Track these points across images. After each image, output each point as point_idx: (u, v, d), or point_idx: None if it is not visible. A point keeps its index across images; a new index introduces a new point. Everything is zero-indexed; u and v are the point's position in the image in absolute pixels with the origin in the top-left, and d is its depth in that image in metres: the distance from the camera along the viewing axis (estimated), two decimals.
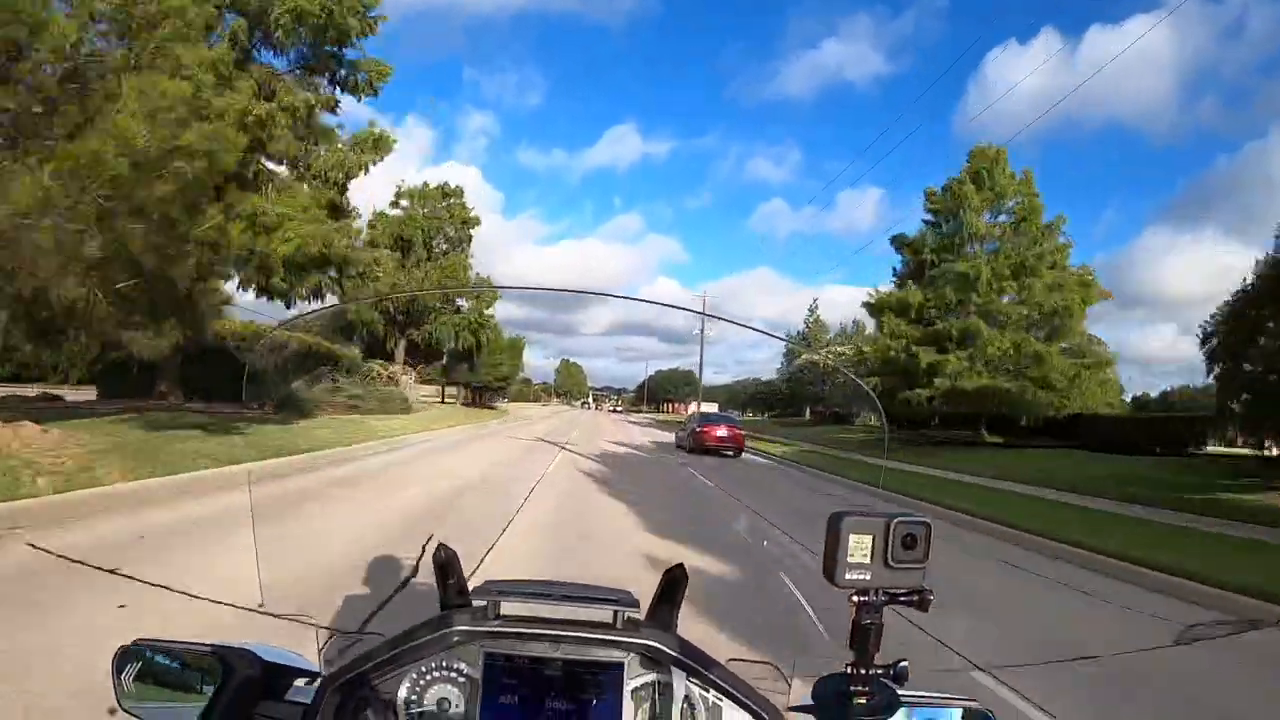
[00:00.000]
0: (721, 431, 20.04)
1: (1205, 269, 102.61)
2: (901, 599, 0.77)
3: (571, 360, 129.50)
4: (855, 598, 0.77)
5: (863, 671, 0.76)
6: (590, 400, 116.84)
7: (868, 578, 0.75)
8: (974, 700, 0.92)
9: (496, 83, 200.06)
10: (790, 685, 0.96)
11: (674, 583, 0.97)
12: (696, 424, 20.99)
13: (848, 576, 0.75)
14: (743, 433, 20.96)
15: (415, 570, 4.31)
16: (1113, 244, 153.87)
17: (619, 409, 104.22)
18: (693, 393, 54.34)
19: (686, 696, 0.85)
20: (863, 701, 0.76)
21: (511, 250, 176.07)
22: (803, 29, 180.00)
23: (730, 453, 19.54)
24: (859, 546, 0.75)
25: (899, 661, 0.78)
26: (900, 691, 0.79)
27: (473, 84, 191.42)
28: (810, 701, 0.82)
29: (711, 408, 40.67)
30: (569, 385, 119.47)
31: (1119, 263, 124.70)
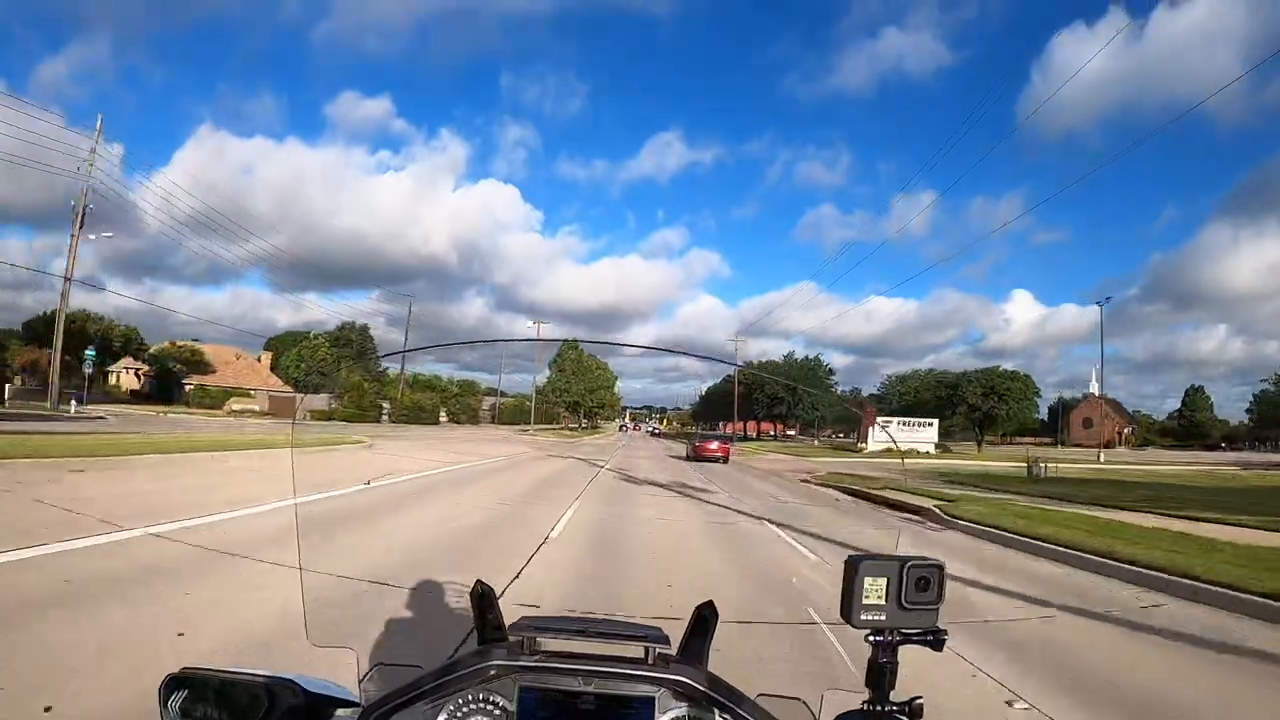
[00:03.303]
0: (712, 445, 28.85)
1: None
2: (915, 639, 0.80)
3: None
4: (871, 637, 0.81)
5: (879, 708, 0.80)
6: (628, 421, 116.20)
7: (883, 618, 0.80)
8: None
9: (536, 90, 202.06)
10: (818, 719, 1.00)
11: (705, 619, 1.02)
12: (696, 440, 30.50)
13: (864, 617, 0.79)
14: (729, 446, 30.10)
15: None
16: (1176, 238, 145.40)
17: (658, 430, 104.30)
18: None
19: None
20: None
21: (552, 269, 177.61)
22: (857, 22, 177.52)
23: (719, 459, 27.33)
24: (874, 588, 0.79)
25: (915, 699, 0.81)
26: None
27: (511, 91, 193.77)
28: None
29: None
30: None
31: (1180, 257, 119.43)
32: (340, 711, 0.93)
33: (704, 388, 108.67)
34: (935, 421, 43.31)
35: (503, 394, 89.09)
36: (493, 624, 0.97)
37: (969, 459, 38.74)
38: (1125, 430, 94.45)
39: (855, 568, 0.81)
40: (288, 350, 73.39)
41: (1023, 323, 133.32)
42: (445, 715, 0.87)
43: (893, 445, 41.25)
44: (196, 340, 72.36)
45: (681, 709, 0.87)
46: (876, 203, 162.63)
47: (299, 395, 60.08)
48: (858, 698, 0.86)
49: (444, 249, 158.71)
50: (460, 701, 0.87)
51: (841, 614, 0.82)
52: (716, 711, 0.86)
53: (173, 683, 0.88)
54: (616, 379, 69.29)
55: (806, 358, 64.41)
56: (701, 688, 0.86)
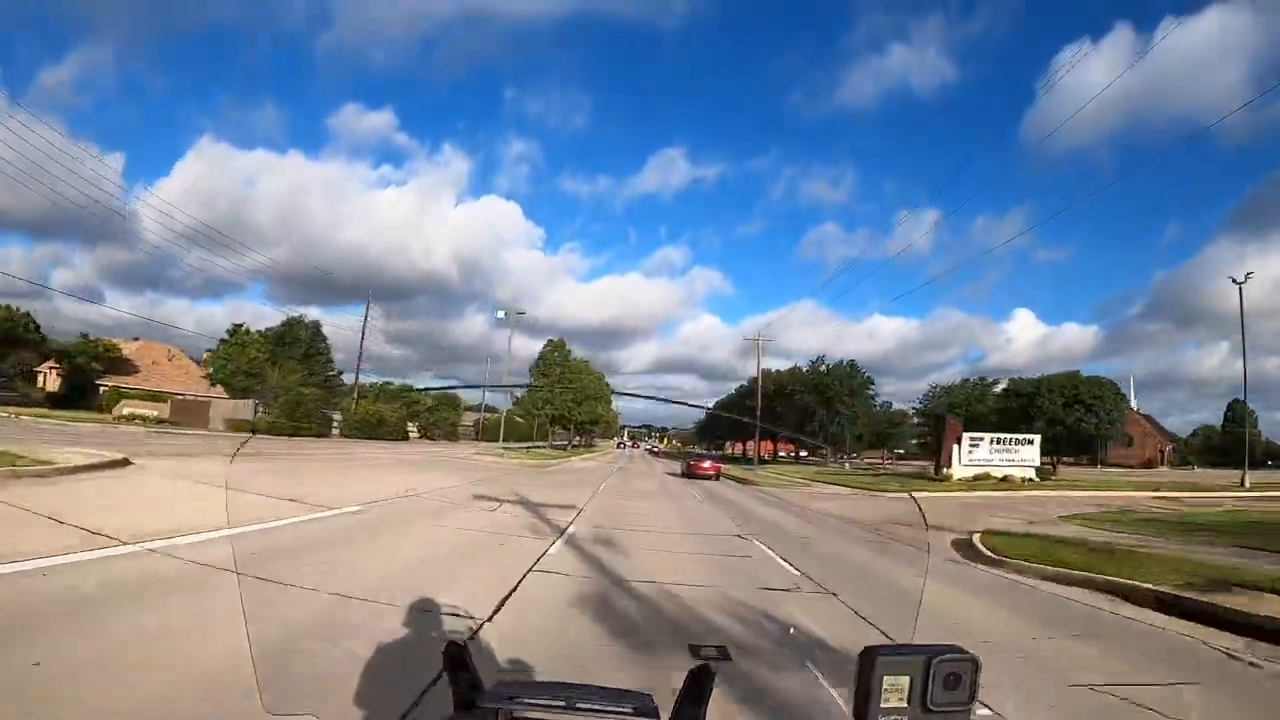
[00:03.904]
0: (705, 464, 33.33)
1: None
2: None
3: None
4: None
5: None
6: (626, 439, 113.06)
7: None
8: None
9: (539, 104, 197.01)
10: None
11: (699, 683, 0.92)
12: (691, 460, 36.89)
13: None
14: (720, 466, 35.50)
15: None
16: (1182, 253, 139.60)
17: (658, 449, 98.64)
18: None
19: None
20: None
21: (553, 286, 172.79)
22: (863, 38, 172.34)
23: (711, 477, 30.70)
24: (894, 689, 0.69)
25: None
26: None
27: (514, 106, 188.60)
28: None
29: None
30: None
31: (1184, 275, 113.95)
32: None
33: (708, 405, 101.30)
34: (1036, 439, 32.31)
35: (491, 410, 77.98)
36: (469, 684, 0.88)
37: (1097, 487, 27.77)
38: (1167, 449, 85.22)
39: (872, 662, 0.70)
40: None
41: (1024, 341, 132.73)
42: None
43: (986, 470, 30.24)
44: (136, 339, 61.81)
45: None
46: (879, 220, 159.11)
47: (213, 400, 49.00)
48: None
49: (445, 264, 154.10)
50: None
51: (855, 717, 0.71)
52: None
53: None
54: (612, 391, 58.26)
55: (841, 362, 53.37)
56: None
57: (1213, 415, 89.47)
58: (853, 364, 53.05)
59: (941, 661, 0.69)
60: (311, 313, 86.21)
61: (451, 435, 78.53)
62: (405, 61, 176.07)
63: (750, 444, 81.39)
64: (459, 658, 0.89)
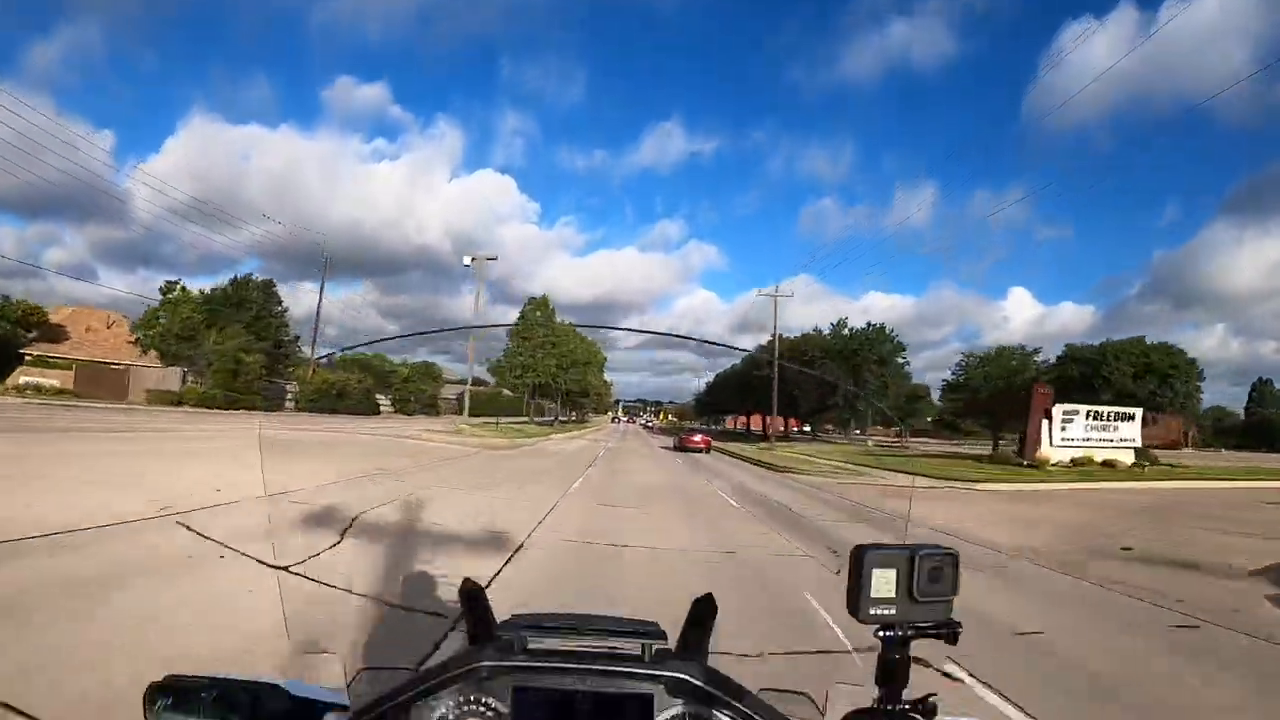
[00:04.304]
0: (696, 438, 33.11)
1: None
2: (929, 632, 0.75)
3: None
4: (881, 633, 0.75)
5: (890, 707, 0.75)
6: (621, 414, 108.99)
7: (892, 612, 0.74)
8: None
9: (535, 77, 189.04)
10: (825, 714, 0.91)
11: (702, 612, 0.97)
12: (682, 434, 36.73)
13: (872, 611, 0.74)
14: (710, 440, 34.70)
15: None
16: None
17: (652, 424, 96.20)
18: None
19: None
20: None
21: (547, 261, 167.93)
22: (863, 10, 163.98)
23: (701, 450, 30.84)
24: (883, 581, 0.74)
25: (928, 696, 0.76)
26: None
27: (510, 78, 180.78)
28: None
29: None
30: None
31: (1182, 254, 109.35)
32: (328, 716, 0.89)
33: (704, 380, 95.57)
34: (1137, 414, 25.50)
35: (482, 383, 70.40)
36: (483, 622, 0.92)
37: (1226, 476, 21.02)
38: (1191, 430, 79.26)
39: (862, 558, 0.76)
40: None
41: (1020, 320, 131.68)
42: (436, 718, 0.81)
43: (1085, 452, 23.45)
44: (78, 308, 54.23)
45: (680, 706, 0.82)
46: (877, 196, 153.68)
47: (130, 366, 41.77)
48: (865, 693, 0.80)
49: (438, 239, 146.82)
50: (451, 704, 0.81)
51: (848, 608, 0.77)
52: (717, 708, 0.81)
53: (157, 690, 0.85)
54: (605, 358, 50.87)
55: (869, 325, 46.00)
56: (700, 683, 0.81)
57: (1212, 397, 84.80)
58: (881, 328, 45.86)
59: (924, 556, 0.73)
60: (304, 287, 78.64)
61: (431, 409, 71.47)
62: (399, 32, 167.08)
63: (756, 418, 74.56)
64: (476, 595, 0.93)
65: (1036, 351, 52.28)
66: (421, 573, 5.28)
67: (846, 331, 46.08)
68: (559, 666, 0.82)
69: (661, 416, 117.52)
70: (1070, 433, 23.71)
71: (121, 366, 42.68)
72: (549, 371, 42.22)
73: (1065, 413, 23.82)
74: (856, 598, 0.74)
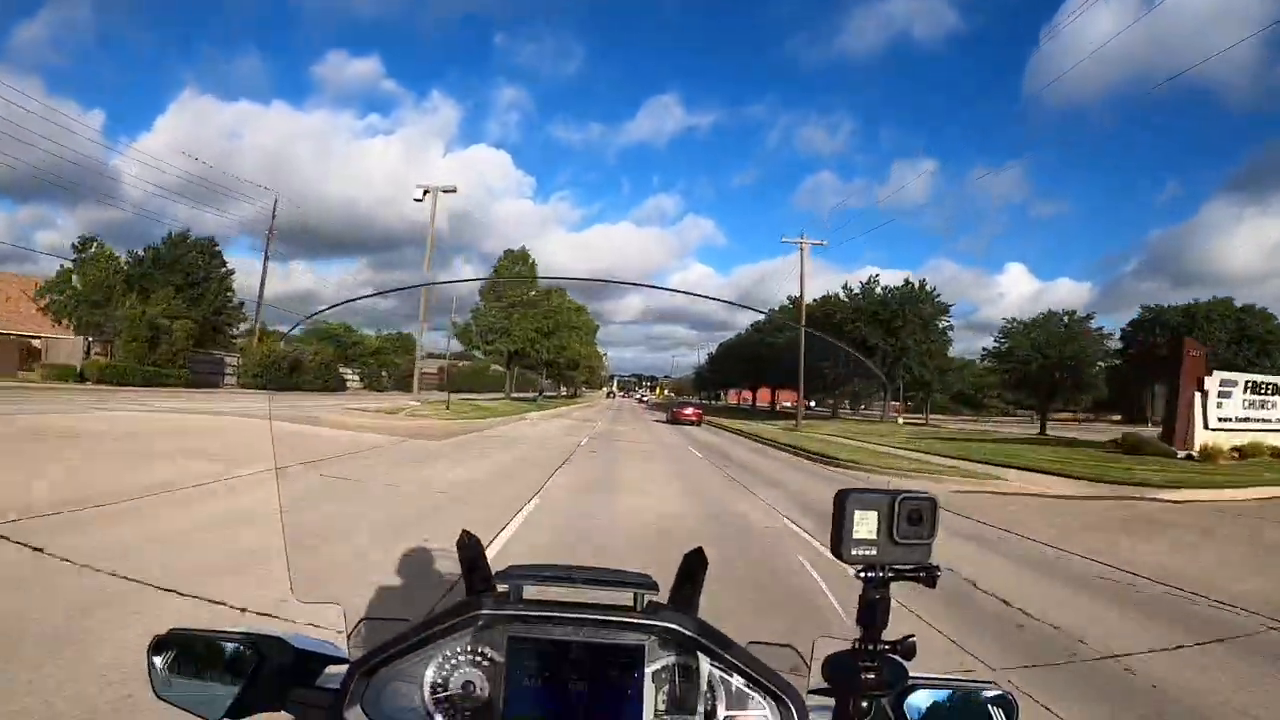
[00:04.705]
0: (687, 410, 33.68)
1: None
2: (908, 574, 0.76)
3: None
4: (862, 573, 0.77)
5: (870, 647, 0.76)
6: (616, 389, 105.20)
7: (874, 553, 0.76)
8: (992, 681, 0.90)
9: (531, 49, 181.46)
10: (810, 667, 0.93)
11: (694, 565, 0.99)
12: (674, 406, 36.53)
13: (854, 552, 0.75)
14: (701, 412, 35.54)
15: None
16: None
17: (646, 398, 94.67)
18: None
19: (708, 678, 0.85)
20: (870, 677, 0.75)
21: (543, 236, 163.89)
22: None
23: (693, 423, 31.43)
24: (864, 523, 0.75)
25: (907, 637, 0.77)
26: (912, 671, 0.79)
27: (505, 51, 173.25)
28: (826, 685, 0.80)
29: None
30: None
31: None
32: (329, 668, 0.91)
33: (701, 356, 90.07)
34: None
35: (467, 359, 63.55)
36: (480, 575, 0.93)
37: None
38: None
39: (844, 501, 0.77)
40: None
41: (1017, 295, 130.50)
42: (434, 667, 0.84)
43: (1249, 436, 17.18)
44: None
45: (671, 656, 0.85)
46: (875, 171, 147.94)
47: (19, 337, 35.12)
48: (849, 643, 0.82)
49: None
50: (449, 653, 0.84)
51: (831, 549, 0.78)
52: (706, 658, 0.84)
53: (160, 644, 0.86)
54: (596, 325, 44.21)
55: (906, 282, 39.24)
56: (690, 634, 0.84)
57: None
58: (922, 284, 39.12)
59: (904, 500, 0.75)
60: (298, 265, 71.67)
61: (406, 384, 64.73)
62: (392, 5, 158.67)
63: (764, 393, 68.11)
64: (473, 547, 0.94)
65: (1090, 317, 45.77)
66: None
67: (879, 291, 39.35)
68: (554, 616, 0.83)
69: (658, 391, 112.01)
70: (1226, 410, 17.32)
71: (13, 336, 35.88)
72: (525, 336, 35.53)
73: (1223, 383, 17.35)
74: (839, 539, 0.75)
